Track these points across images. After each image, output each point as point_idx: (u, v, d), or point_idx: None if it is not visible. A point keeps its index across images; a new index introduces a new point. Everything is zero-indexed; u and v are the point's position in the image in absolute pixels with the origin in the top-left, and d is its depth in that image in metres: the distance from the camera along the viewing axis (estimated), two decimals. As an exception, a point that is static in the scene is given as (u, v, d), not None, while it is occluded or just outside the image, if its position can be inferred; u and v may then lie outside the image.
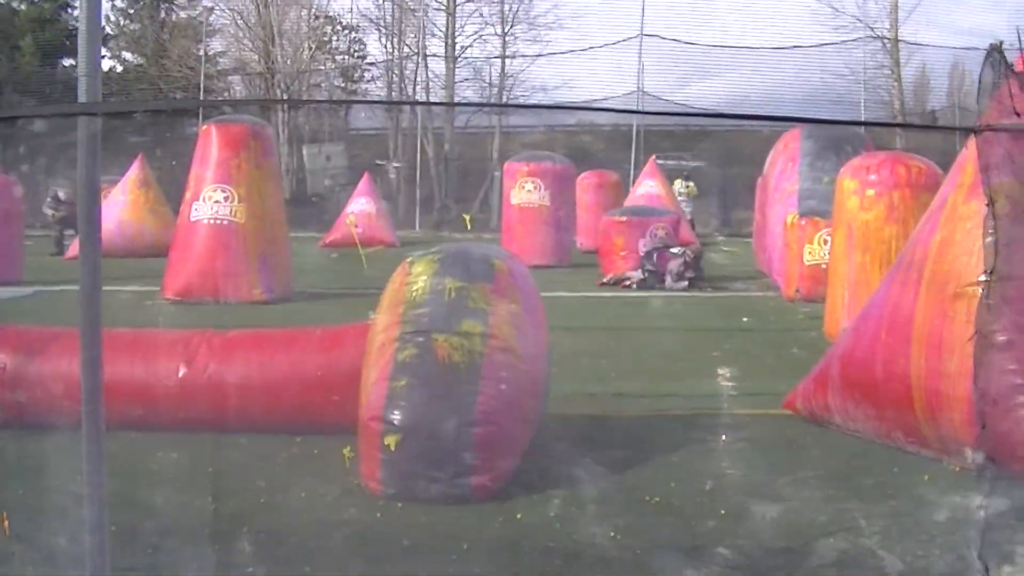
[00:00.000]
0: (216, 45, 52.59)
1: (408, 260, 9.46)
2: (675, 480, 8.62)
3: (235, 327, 11.18)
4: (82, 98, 4.55)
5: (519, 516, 7.82)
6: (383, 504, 7.97)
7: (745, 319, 18.72)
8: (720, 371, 13.23)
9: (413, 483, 7.98)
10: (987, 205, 3.93)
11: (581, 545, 7.34)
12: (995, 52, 4.11)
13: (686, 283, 22.56)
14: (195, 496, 8.13)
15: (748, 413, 11.08)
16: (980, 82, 4.27)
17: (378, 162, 47.11)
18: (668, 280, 22.71)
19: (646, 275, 22.50)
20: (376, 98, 53.71)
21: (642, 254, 22.84)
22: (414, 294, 8.88)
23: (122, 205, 29.64)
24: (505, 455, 8.25)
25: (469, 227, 11.94)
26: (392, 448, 7.95)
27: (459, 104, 52.57)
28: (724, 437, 10.16)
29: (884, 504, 7.71)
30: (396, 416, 8.05)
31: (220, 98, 50.95)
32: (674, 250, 22.74)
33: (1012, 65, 4.08)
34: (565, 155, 32.09)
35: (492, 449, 8.11)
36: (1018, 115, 3.96)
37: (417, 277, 9.05)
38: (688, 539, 7.46)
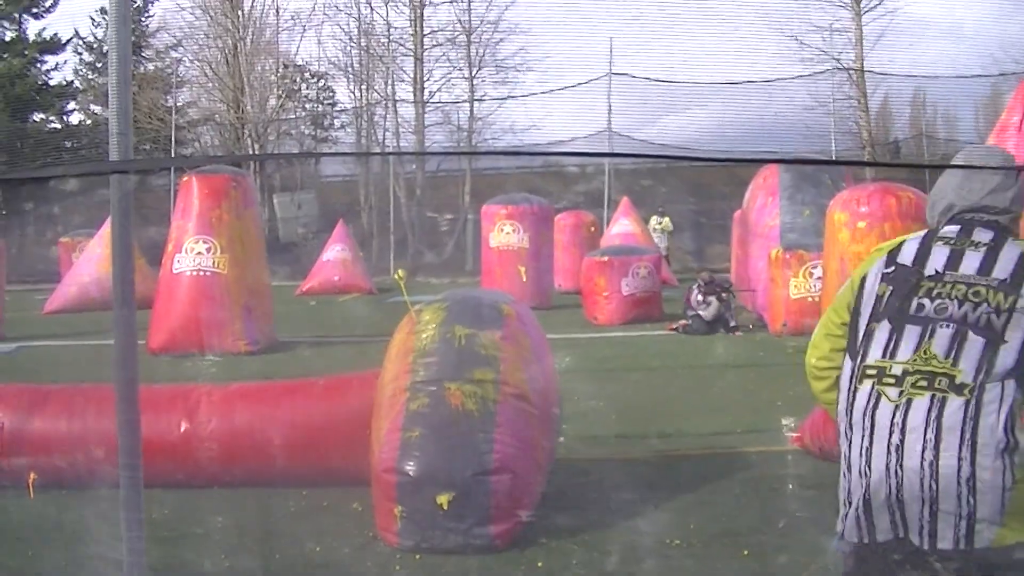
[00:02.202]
0: (185, 96, 52.64)
1: (415, 308, 9.35)
2: (693, 522, 8.53)
3: (223, 380, 11.08)
4: (113, 156, 4.47)
5: (540, 564, 7.73)
6: (401, 557, 7.86)
7: (736, 355, 18.70)
8: (724, 408, 13.20)
9: (431, 534, 7.87)
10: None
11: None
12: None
13: (734, 326, 22.27)
14: (205, 553, 8.01)
15: (758, 451, 10.97)
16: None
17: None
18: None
19: (691, 321, 22.28)
20: (347, 145, 53.70)
21: (696, 299, 22.48)
22: (423, 343, 8.79)
23: (99, 259, 29.39)
24: (523, 502, 8.15)
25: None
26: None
27: (430, 152, 52.65)
28: (737, 475, 10.08)
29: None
30: (411, 467, 7.94)
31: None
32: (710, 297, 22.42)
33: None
34: (537, 195, 31.96)
35: (510, 496, 8.01)
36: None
37: (425, 325, 8.95)
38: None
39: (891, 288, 4.03)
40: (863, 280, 4.19)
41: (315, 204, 49.07)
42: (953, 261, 3.99)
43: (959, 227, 4.10)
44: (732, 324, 21.93)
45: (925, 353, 3.83)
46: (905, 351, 3.88)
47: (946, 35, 55.73)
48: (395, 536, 7.97)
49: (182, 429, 9.56)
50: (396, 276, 9.93)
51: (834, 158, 26.74)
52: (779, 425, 11.33)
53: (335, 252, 34.43)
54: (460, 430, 8.15)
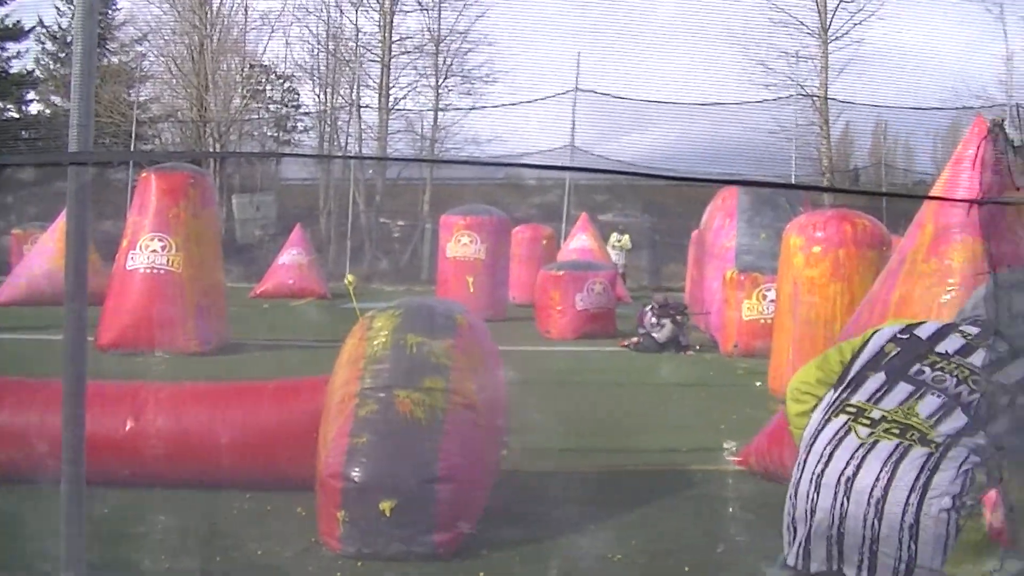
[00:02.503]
0: (148, 91, 52.40)
1: (368, 314, 9.36)
2: (635, 538, 8.55)
3: (173, 379, 11.03)
4: (73, 147, 4.46)
5: (482, 574, 7.73)
6: (342, 563, 7.85)
7: (686, 374, 18.75)
8: (672, 427, 13.26)
9: (374, 541, 7.86)
10: (989, 272, 3.95)
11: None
12: (996, 127, 4.15)
13: (685, 345, 22.27)
14: (147, 553, 7.97)
15: (703, 469, 11.01)
16: (981, 155, 4.31)
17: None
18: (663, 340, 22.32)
19: (643, 338, 22.28)
20: (309, 149, 53.50)
21: (650, 321, 22.45)
22: (375, 349, 8.78)
23: (51, 253, 29.17)
24: (467, 512, 8.16)
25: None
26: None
27: (392, 159, 52.64)
28: (682, 493, 10.11)
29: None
30: (356, 473, 7.94)
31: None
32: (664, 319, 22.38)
33: (1012, 141, 4.12)
34: (496, 207, 31.90)
35: (455, 506, 8.02)
36: (1017, 189, 4.00)
37: (378, 332, 8.95)
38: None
39: (899, 349, 4.13)
40: (874, 334, 4.29)
41: (274, 206, 48.93)
42: (966, 351, 4.07)
43: (979, 329, 4.18)
44: (684, 343, 21.98)
45: (909, 409, 3.89)
46: (890, 402, 3.95)
47: (909, 67, 55.96)
48: (337, 542, 7.95)
49: (128, 427, 9.50)
50: (346, 281, 9.90)
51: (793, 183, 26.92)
52: (726, 445, 11.39)
53: (291, 256, 34.30)
54: (407, 438, 8.15)
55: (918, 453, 3.79)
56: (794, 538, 3.99)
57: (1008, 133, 4.17)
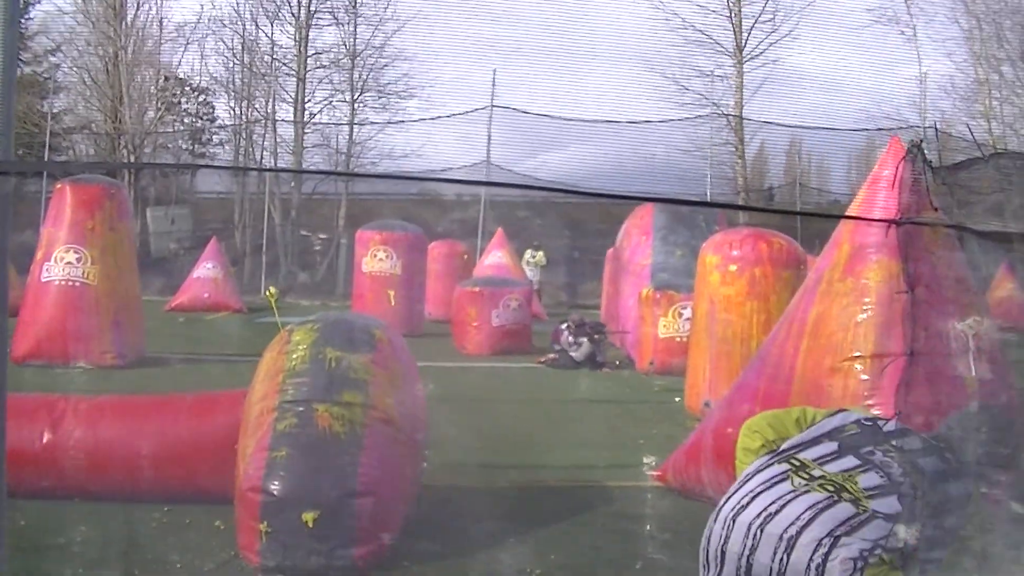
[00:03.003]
0: (62, 102, 51.94)
1: (287, 328, 9.37)
2: (554, 553, 8.61)
3: (90, 392, 10.97)
4: (-5, 157, 4.46)
5: (401, 589, 7.79)
6: (261, 576, 7.86)
7: (603, 391, 18.86)
8: (589, 443, 13.33)
9: (293, 554, 7.87)
10: (907, 292, 4.01)
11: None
12: (915, 149, 4.24)
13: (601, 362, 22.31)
14: (66, 565, 7.94)
15: (620, 485, 11.09)
16: (900, 177, 4.40)
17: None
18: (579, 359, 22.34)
19: (559, 355, 22.32)
20: (224, 162, 53.17)
21: (567, 340, 22.46)
22: (293, 363, 8.79)
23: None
24: (387, 526, 8.19)
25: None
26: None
27: (309, 171, 52.39)
28: (599, 509, 10.18)
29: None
30: (276, 486, 7.94)
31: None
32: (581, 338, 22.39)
33: (930, 163, 4.21)
34: (412, 223, 31.82)
35: (374, 520, 8.05)
36: (935, 209, 4.08)
37: (296, 346, 8.96)
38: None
39: (859, 431, 4.20)
40: (841, 411, 4.37)
41: (189, 220, 48.62)
42: (921, 453, 4.12)
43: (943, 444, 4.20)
44: (600, 361, 22.07)
45: (849, 477, 3.95)
46: (834, 468, 4.01)
47: (823, 88, 56.52)
48: (257, 555, 7.94)
49: (45, 439, 9.46)
50: (267, 294, 9.91)
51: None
52: (642, 461, 11.49)
53: (206, 269, 34.09)
54: (326, 452, 8.17)
55: (844, 509, 3.87)
56: (708, 559, 4.06)
57: (926, 154, 4.26)
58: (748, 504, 4.03)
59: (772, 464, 4.13)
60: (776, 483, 4.04)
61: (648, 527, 9.62)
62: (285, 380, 8.67)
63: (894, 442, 4.15)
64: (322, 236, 44.98)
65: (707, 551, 4.12)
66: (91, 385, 15.77)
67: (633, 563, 8.45)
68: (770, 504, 3.97)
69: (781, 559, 3.84)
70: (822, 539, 3.83)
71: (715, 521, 4.13)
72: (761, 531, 3.93)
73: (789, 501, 3.95)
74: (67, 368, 17.92)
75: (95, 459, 9.43)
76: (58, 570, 7.84)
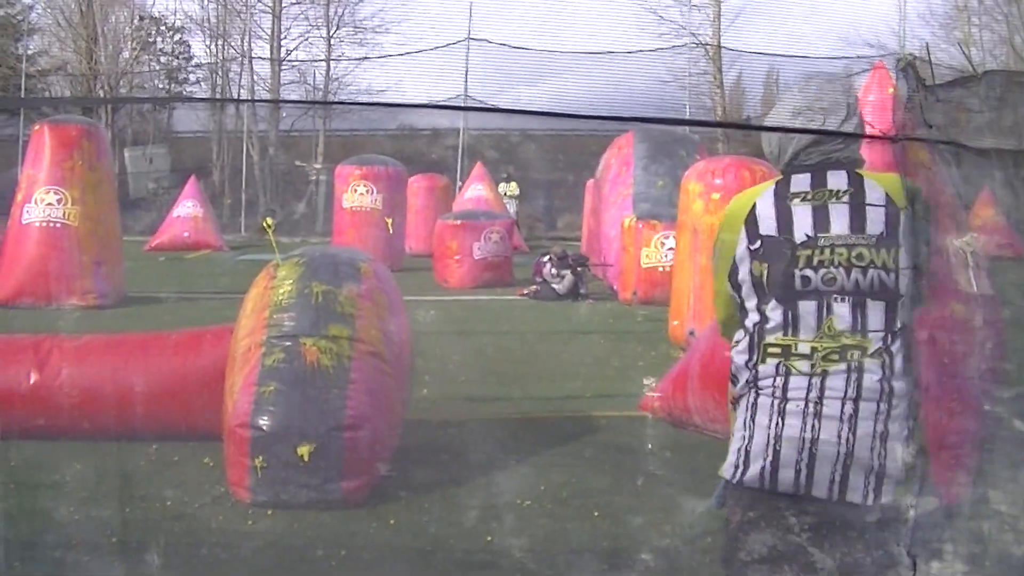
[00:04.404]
0: (36, 44, 51.58)
1: (272, 263, 9.33)
2: (544, 483, 8.63)
3: (73, 332, 10.95)
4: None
5: (392, 521, 7.80)
6: (253, 512, 7.87)
7: (586, 322, 18.87)
8: (574, 374, 13.35)
9: (283, 489, 7.88)
10: (907, 206, 3.96)
11: (456, 549, 7.34)
12: (908, 67, 4.18)
13: (583, 294, 22.27)
14: (55, 503, 7.94)
15: (606, 415, 11.09)
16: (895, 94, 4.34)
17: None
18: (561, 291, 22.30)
19: (540, 287, 22.27)
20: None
21: (549, 272, 22.39)
22: (280, 298, 8.76)
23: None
24: (376, 459, 8.21)
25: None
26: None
27: (284, 102, 52.22)
28: (586, 439, 10.20)
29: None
30: (265, 422, 7.95)
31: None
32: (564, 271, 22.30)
33: (924, 80, 4.15)
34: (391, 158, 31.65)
35: (363, 453, 8.07)
36: (930, 127, 4.03)
37: (282, 281, 8.93)
38: (562, 542, 7.50)
39: (766, 265, 4.02)
40: (734, 259, 4.15)
41: (167, 159, 48.34)
42: (820, 221, 4.00)
43: (809, 175, 4.11)
44: (582, 292, 22.07)
45: (830, 330, 3.85)
46: (806, 329, 3.89)
47: (802, 16, 56.50)
48: (247, 491, 7.96)
49: (32, 379, 9.44)
50: (265, 223, 9.85)
51: (689, 132, 27.03)
52: (628, 391, 11.54)
53: (186, 208, 34.04)
54: (315, 386, 8.17)
55: (873, 376, 3.81)
56: (759, 465, 3.99)
57: (919, 72, 4.22)
58: (784, 403, 3.96)
59: (762, 363, 4.06)
60: (785, 380, 3.96)
61: (637, 455, 9.62)
62: (272, 315, 8.65)
63: (797, 239, 4.04)
64: (317, 166, 44.77)
65: (746, 443, 4.04)
66: (75, 325, 15.70)
67: (622, 492, 8.47)
68: (805, 406, 3.91)
69: (847, 440, 3.81)
70: (877, 421, 3.80)
71: (754, 417, 4.06)
72: (817, 415, 3.88)
73: (819, 395, 3.88)
74: (49, 309, 17.86)
75: (83, 398, 9.42)
76: (51, 507, 7.84)
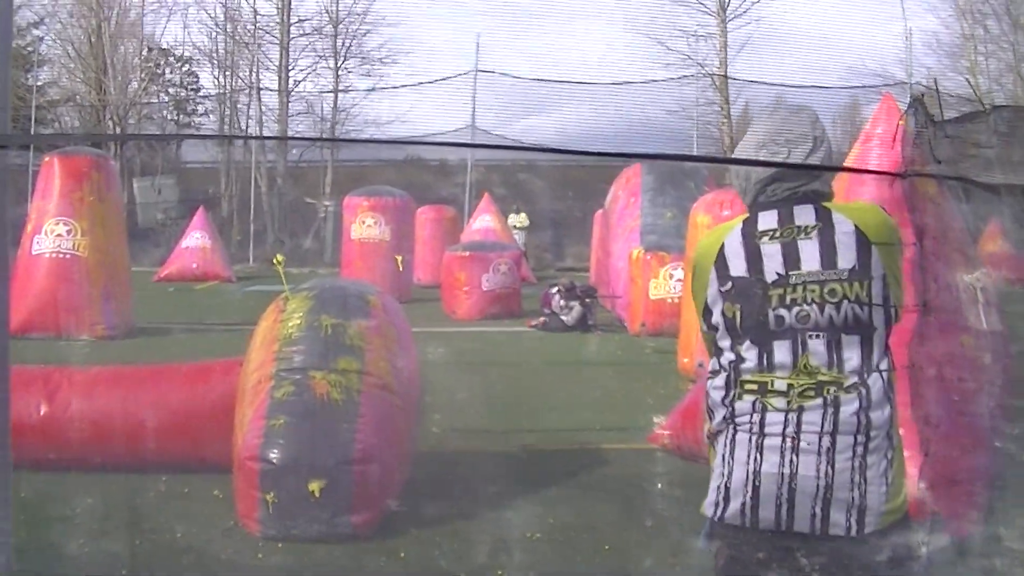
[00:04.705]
0: (46, 75, 51.68)
1: (282, 296, 9.35)
2: (553, 516, 8.62)
3: (82, 363, 10.95)
4: (-8, 132, 4.44)
5: (402, 555, 7.79)
6: (263, 544, 7.86)
7: (595, 354, 18.87)
8: (584, 406, 13.33)
9: (293, 523, 7.87)
10: (914, 244, 3.96)
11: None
12: (917, 103, 4.20)
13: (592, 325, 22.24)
14: (66, 536, 7.93)
15: (615, 447, 11.08)
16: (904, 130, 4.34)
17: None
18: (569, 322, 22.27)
19: (549, 319, 22.24)
20: (209, 131, 53.05)
21: (558, 304, 22.37)
22: (289, 331, 8.78)
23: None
24: (385, 492, 8.21)
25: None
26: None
27: (292, 138, 52.43)
28: (596, 472, 10.19)
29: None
30: (274, 454, 7.94)
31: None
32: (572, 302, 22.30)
33: (932, 116, 4.17)
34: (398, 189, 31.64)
35: (372, 486, 8.06)
36: (938, 162, 4.04)
37: (292, 314, 8.95)
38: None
39: (738, 306, 4.02)
40: (707, 301, 4.15)
41: (175, 190, 48.40)
42: (790, 258, 3.99)
43: (776, 212, 4.09)
44: (590, 323, 22.06)
45: (806, 367, 3.84)
46: (782, 367, 3.89)
47: (808, 45, 56.42)
48: (257, 524, 7.96)
49: (42, 411, 9.44)
50: (275, 261, 9.87)
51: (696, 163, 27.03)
52: (637, 423, 11.51)
53: (194, 239, 34.03)
54: (324, 419, 8.17)
55: (849, 409, 3.80)
56: (740, 502, 3.98)
57: (927, 108, 4.23)
58: (761, 438, 3.95)
59: (739, 398, 4.04)
60: (761, 415, 3.96)
61: (647, 488, 9.61)
62: (281, 348, 8.67)
63: (767, 278, 4.03)
64: (327, 203, 44.81)
65: (725, 479, 4.04)
66: (84, 357, 15.72)
67: (632, 525, 8.46)
68: (782, 441, 3.90)
69: (826, 473, 3.80)
70: (855, 454, 3.79)
71: (731, 451, 4.05)
72: (795, 449, 3.87)
73: (796, 429, 3.87)
74: (58, 340, 17.87)
75: (92, 430, 9.42)
76: (61, 540, 7.83)
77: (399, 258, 26.15)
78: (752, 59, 47.95)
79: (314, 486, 7.80)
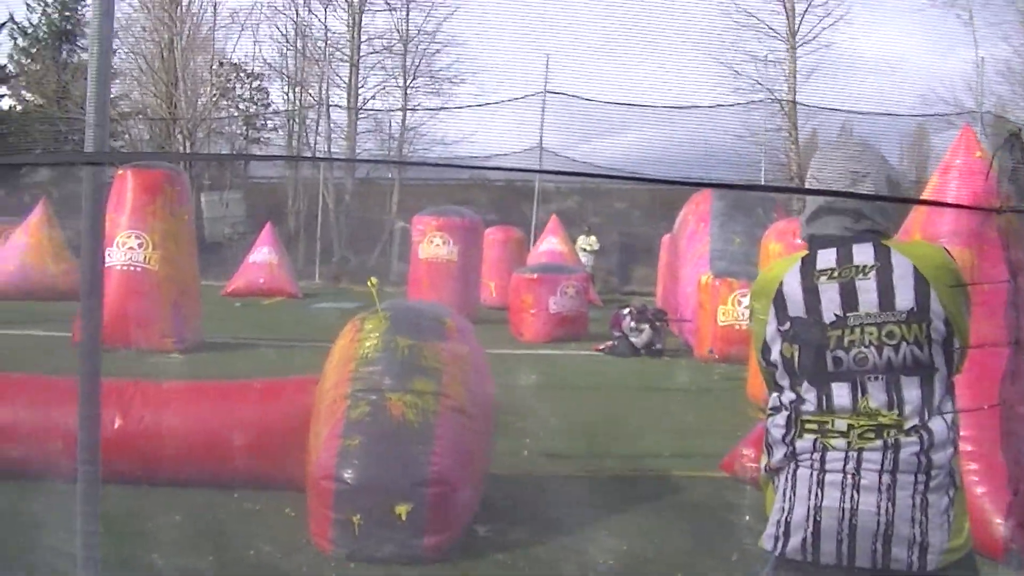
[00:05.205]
0: (117, 88, 52.10)
1: (359, 316, 9.37)
2: (624, 542, 8.58)
3: (151, 376, 11.01)
4: (89, 147, 4.46)
5: (470, 578, 7.78)
6: (335, 564, 7.86)
7: (663, 379, 18.80)
8: (653, 431, 13.28)
9: (365, 543, 7.86)
10: (1008, 280, 3.93)
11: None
12: (1013, 138, 4.16)
13: (659, 349, 22.20)
14: (138, 551, 7.95)
15: (686, 475, 11.01)
16: (999, 165, 4.30)
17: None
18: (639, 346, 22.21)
19: (617, 343, 22.19)
20: (278, 148, 53.38)
21: (628, 325, 22.33)
22: (366, 351, 8.78)
23: (24, 248, 29.24)
24: (458, 515, 8.18)
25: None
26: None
27: (360, 160, 52.53)
28: (667, 499, 10.13)
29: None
30: (349, 474, 7.94)
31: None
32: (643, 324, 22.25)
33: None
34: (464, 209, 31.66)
35: (445, 509, 8.03)
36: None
37: (368, 334, 8.96)
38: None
39: (797, 347, 4.00)
40: (765, 338, 4.14)
41: (242, 204, 48.78)
42: (848, 299, 3.96)
43: (835, 250, 4.06)
44: (658, 347, 22.00)
45: (865, 409, 3.83)
46: (842, 408, 3.88)
47: (877, 72, 56.23)
48: (329, 543, 7.95)
49: (116, 424, 9.47)
50: (370, 283, 9.87)
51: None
52: (707, 450, 11.45)
53: (262, 254, 34.27)
54: (399, 441, 8.16)
55: (909, 450, 3.78)
56: (801, 537, 3.97)
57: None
58: (823, 476, 3.93)
59: (799, 437, 4.01)
60: (822, 455, 3.93)
61: (718, 515, 9.54)
62: (357, 368, 8.67)
63: (825, 319, 4.00)
64: (399, 223, 44.98)
65: (786, 514, 4.02)
66: (153, 369, 15.76)
67: (703, 553, 8.40)
68: (843, 478, 3.88)
69: (886, 510, 3.77)
70: (916, 491, 3.76)
71: (794, 488, 4.02)
72: (855, 509, 3.85)
73: (856, 468, 3.85)
74: (129, 352, 17.96)
75: (164, 445, 9.45)
76: (134, 555, 7.85)
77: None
78: (820, 85, 47.67)
79: (400, 509, 7.79)
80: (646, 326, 21.98)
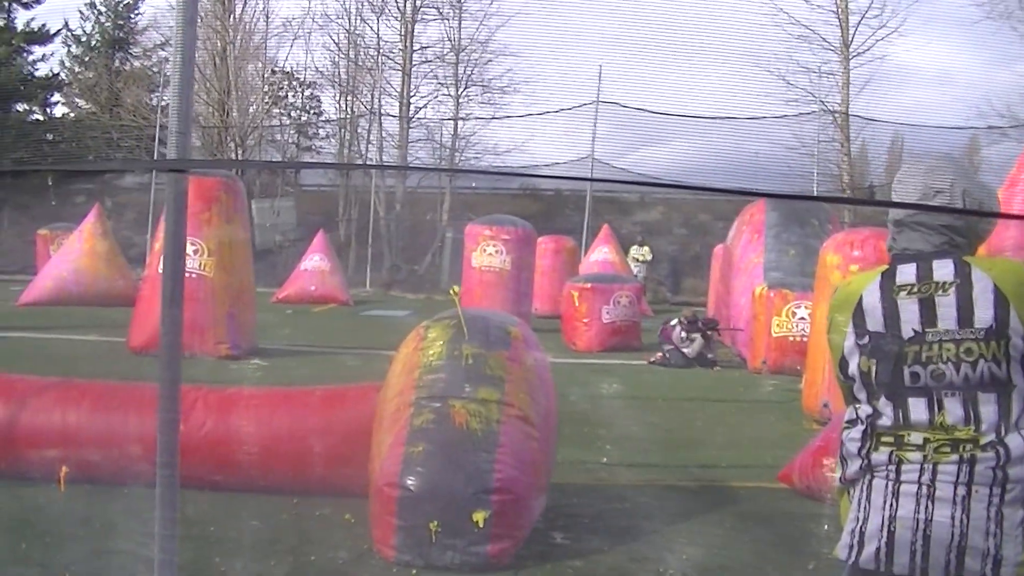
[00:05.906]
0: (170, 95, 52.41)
1: (423, 324, 9.37)
2: (686, 553, 8.56)
3: (208, 383, 11.05)
4: (171, 155, 4.49)
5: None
6: (397, 570, 7.87)
7: (716, 390, 18.76)
8: (710, 442, 13.26)
9: (428, 550, 7.87)
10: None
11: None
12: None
13: (712, 360, 22.16)
14: (199, 555, 7.98)
15: (745, 486, 10.99)
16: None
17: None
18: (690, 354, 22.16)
19: (669, 354, 22.14)
20: (329, 156, 53.56)
21: (679, 336, 22.28)
22: (430, 359, 8.80)
23: (78, 253, 29.41)
24: (521, 523, 8.18)
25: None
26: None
27: (411, 167, 52.68)
28: (725, 509, 10.10)
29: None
30: (412, 482, 7.96)
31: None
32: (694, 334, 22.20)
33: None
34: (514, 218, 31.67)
35: (508, 517, 8.03)
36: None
37: (432, 342, 8.97)
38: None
39: (875, 361, 4.01)
40: (843, 351, 4.15)
41: (293, 212, 48.96)
42: (927, 315, 3.97)
43: (915, 265, 4.07)
44: (711, 358, 21.95)
45: (942, 424, 3.84)
46: (918, 422, 3.90)
47: (931, 84, 56.00)
48: (392, 550, 7.97)
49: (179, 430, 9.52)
50: (452, 292, 9.90)
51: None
52: (764, 461, 11.45)
53: (314, 262, 34.49)
54: (463, 448, 8.17)
55: (985, 464, 3.78)
56: (875, 546, 3.97)
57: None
58: (898, 487, 3.94)
59: (875, 449, 4.01)
60: (898, 467, 3.94)
61: (780, 528, 9.51)
62: (422, 375, 8.69)
63: (904, 334, 4.00)
64: (448, 233, 45.08)
65: (861, 524, 4.02)
66: (209, 375, 15.83)
67: (773, 562, 8.38)
68: (918, 490, 3.89)
69: (961, 521, 3.77)
70: (991, 504, 3.76)
71: (869, 498, 4.03)
72: (931, 496, 3.85)
73: (931, 482, 3.86)
74: (184, 358, 18.00)
75: (226, 450, 9.50)
76: (197, 559, 7.88)
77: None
78: (873, 97, 47.47)
79: (478, 516, 7.81)
80: (697, 335, 21.93)
